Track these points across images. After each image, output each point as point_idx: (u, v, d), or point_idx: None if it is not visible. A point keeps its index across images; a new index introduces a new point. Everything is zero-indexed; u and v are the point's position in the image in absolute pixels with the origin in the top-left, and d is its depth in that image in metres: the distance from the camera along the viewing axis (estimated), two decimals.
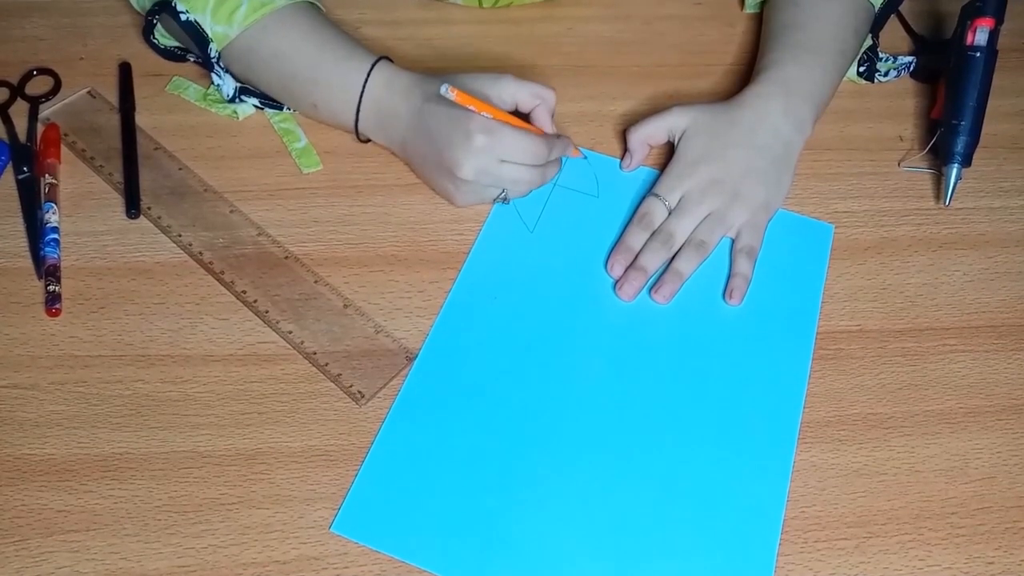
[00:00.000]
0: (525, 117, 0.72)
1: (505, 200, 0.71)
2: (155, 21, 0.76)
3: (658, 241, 0.70)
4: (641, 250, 0.70)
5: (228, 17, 0.72)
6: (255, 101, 0.77)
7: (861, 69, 0.83)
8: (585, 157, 0.75)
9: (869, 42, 0.82)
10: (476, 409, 0.63)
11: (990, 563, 0.59)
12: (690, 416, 0.64)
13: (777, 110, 0.74)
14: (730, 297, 0.69)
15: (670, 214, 0.72)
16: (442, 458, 0.61)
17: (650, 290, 0.69)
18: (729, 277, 0.70)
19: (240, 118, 0.78)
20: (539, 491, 0.60)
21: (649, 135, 0.76)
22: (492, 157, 0.69)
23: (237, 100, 0.77)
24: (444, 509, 0.59)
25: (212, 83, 0.77)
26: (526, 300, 0.69)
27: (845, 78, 0.83)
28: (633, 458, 0.62)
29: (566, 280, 0.70)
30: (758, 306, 0.69)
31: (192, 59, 0.79)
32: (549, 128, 0.73)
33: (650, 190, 0.73)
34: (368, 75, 0.72)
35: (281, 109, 0.77)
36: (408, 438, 0.62)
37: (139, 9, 0.78)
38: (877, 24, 0.83)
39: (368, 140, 0.75)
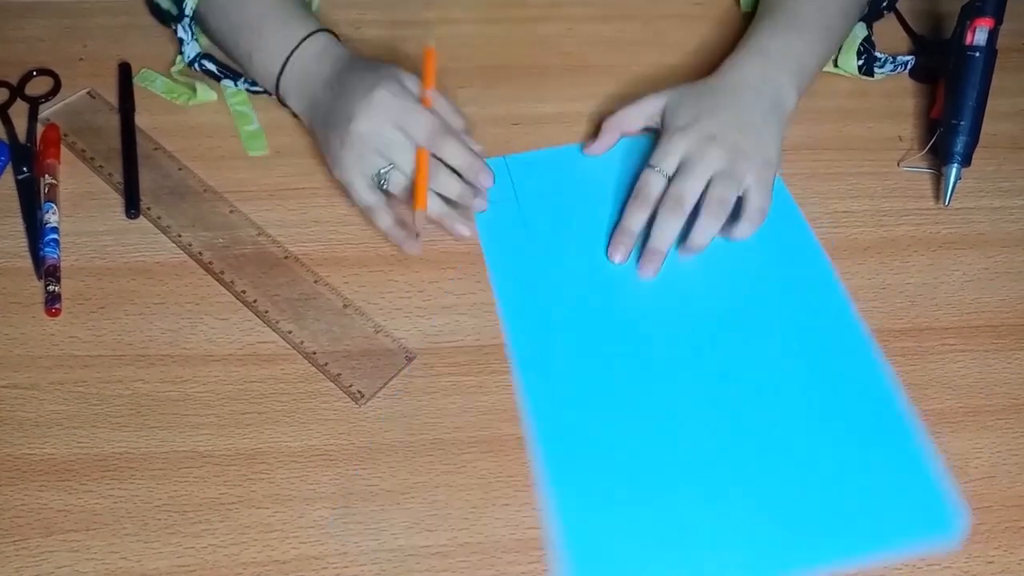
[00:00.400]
0: None
1: (384, 184, 0.68)
2: None
3: (666, 210, 0.68)
4: (653, 227, 0.68)
5: None
6: (213, 67, 0.78)
7: (860, 62, 0.83)
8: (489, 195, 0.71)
9: (864, 32, 0.82)
10: (615, 427, 0.63)
11: (990, 562, 0.59)
12: (785, 399, 0.64)
13: (756, 75, 0.74)
14: (736, 231, 0.69)
15: (671, 180, 0.69)
16: (616, 490, 0.60)
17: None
18: (741, 219, 0.69)
19: (191, 103, 0.78)
20: (699, 488, 0.60)
21: (623, 121, 0.75)
22: (390, 117, 0.67)
23: (196, 66, 0.78)
24: (648, 534, 0.59)
25: (179, 55, 0.78)
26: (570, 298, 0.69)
27: (845, 73, 0.84)
28: (758, 453, 0.62)
29: (593, 270, 0.70)
30: (769, 282, 0.70)
31: (173, 25, 0.79)
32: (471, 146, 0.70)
33: (644, 163, 0.72)
34: (308, 36, 0.72)
35: (235, 83, 0.79)
36: (581, 489, 0.60)
37: None
38: (871, 12, 0.83)
39: (285, 105, 0.75)
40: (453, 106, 0.71)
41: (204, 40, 0.80)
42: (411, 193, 0.67)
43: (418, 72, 0.70)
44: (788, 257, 0.72)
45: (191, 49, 0.78)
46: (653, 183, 0.70)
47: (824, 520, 0.59)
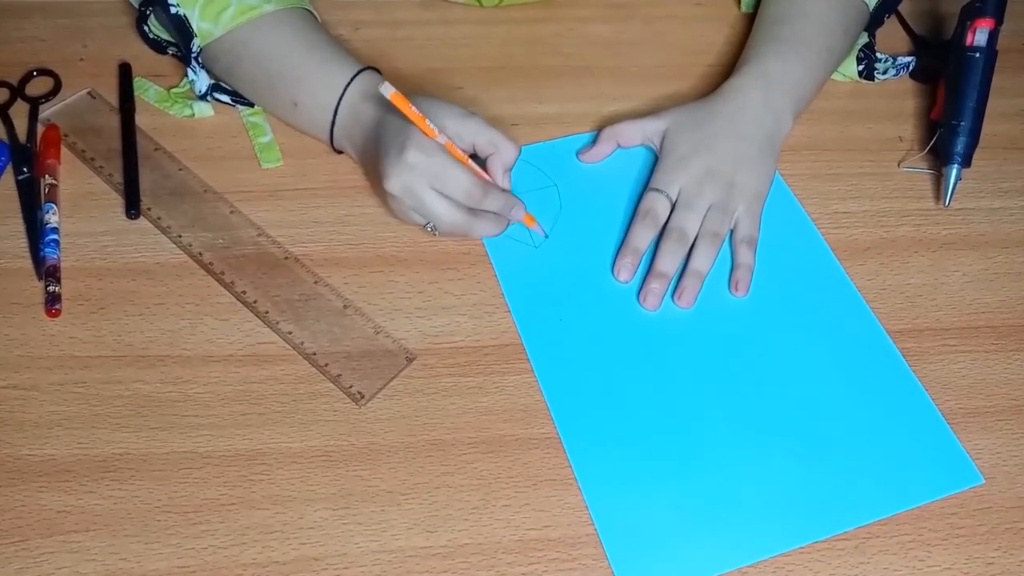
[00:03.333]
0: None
1: (433, 231, 0.68)
2: (148, 12, 0.77)
3: (672, 241, 0.70)
4: (656, 255, 0.70)
5: (215, 16, 0.72)
6: (227, 98, 0.77)
7: (860, 68, 0.83)
8: (546, 236, 0.72)
9: (865, 39, 0.83)
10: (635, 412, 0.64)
11: (990, 563, 0.59)
12: (801, 375, 0.66)
13: (757, 101, 0.75)
14: (736, 289, 0.69)
15: (672, 210, 0.71)
16: (646, 477, 0.62)
17: (671, 295, 0.69)
18: (733, 268, 0.70)
19: (195, 115, 0.78)
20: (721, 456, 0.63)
21: (621, 134, 0.76)
22: (421, 179, 0.65)
23: (209, 98, 0.77)
24: (682, 513, 0.60)
25: (185, 78, 0.77)
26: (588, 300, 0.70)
27: (845, 78, 0.84)
28: (782, 426, 0.64)
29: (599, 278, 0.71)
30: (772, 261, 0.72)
31: (172, 52, 0.80)
32: (499, 180, 0.69)
33: (646, 186, 0.73)
34: (352, 80, 0.71)
35: (252, 107, 0.78)
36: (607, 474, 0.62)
37: (133, 1, 0.78)
38: (873, 23, 0.83)
39: (341, 151, 0.74)
40: (495, 135, 0.68)
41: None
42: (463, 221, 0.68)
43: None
44: (794, 251, 0.73)
45: (202, 82, 0.76)
46: (659, 207, 0.71)
47: (850, 483, 0.62)
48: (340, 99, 0.71)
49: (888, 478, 0.62)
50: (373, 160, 0.69)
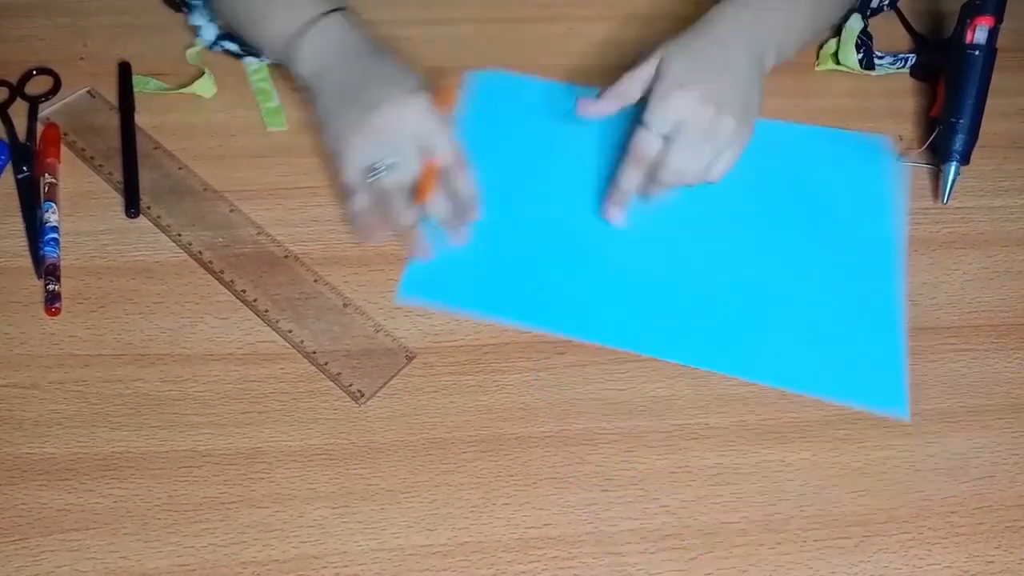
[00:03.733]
0: None
1: (372, 175, 0.67)
2: None
3: (667, 184, 0.69)
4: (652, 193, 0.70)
5: None
6: (234, 47, 0.79)
7: (859, 56, 0.83)
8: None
9: (860, 24, 0.82)
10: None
11: (990, 562, 0.59)
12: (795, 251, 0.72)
13: (745, 28, 0.71)
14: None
15: (667, 145, 0.68)
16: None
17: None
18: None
19: (208, 96, 0.79)
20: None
21: (622, 93, 0.71)
22: (419, 124, 0.67)
23: (217, 46, 0.78)
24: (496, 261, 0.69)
25: (195, 33, 0.79)
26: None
27: (846, 68, 0.84)
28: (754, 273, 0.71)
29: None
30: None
31: (185, 10, 0.80)
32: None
33: (638, 119, 0.69)
34: (333, 11, 0.71)
35: (259, 59, 0.79)
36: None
37: None
38: (865, 3, 0.82)
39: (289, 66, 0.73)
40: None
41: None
42: (407, 191, 0.68)
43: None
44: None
45: (209, 32, 0.78)
46: (649, 144, 0.68)
47: (779, 342, 0.67)
48: (318, 19, 0.71)
49: (817, 359, 0.66)
50: (346, 85, 0.69)
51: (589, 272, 0.70)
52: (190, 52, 0.80)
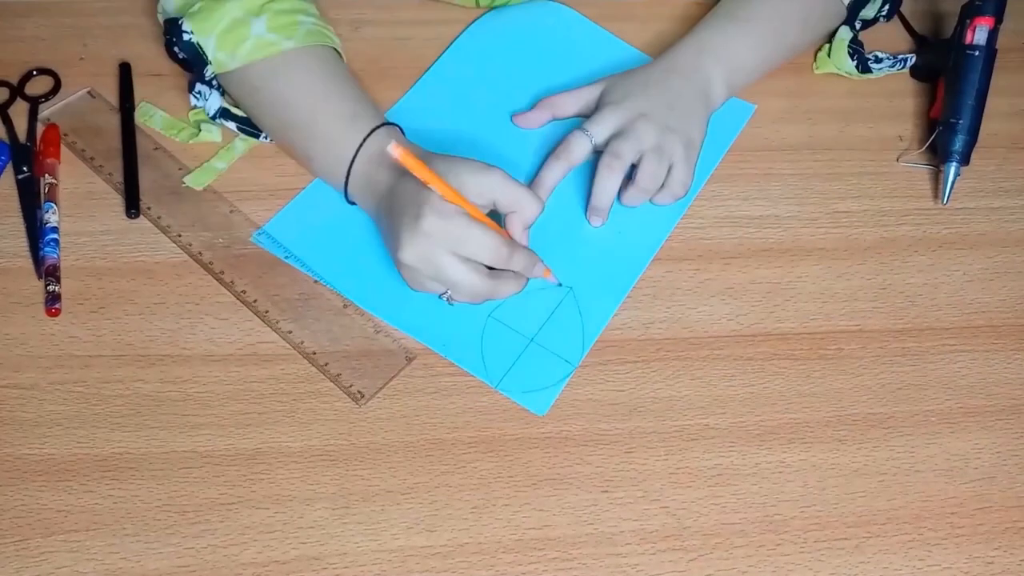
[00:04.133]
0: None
1: (449, 300, 0.64)
2: (173, 40, 0.72)
3: (605, 166, 0.69)
4: (594, 185, 0.70)
5: (233, 48, 0.70)
6: (233, 126, 0.75)
7: (854, 62, 0.83)
8: (560, 284, 0.69)
9: (849, 35, 0.82)
10: None
11: (990, 563, 0.59)
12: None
13: (688, 65, 0.75)
14: (661, 199, 0.72)
15: (607, 145, 0.70)
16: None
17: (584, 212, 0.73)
18: (661, 192, 0.72)
19: (192, 141, 0.75)
20: None
21: (556, 104, 0.76)
22: (439, 245, 0.60)
23: (218, 119, 0.74)
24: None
25: (192, 101, 0.74)
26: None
27: (844, 73, 0.84)
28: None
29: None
30: None
31: (190, 70, 0.75)
32: (519, 238, 0.65)
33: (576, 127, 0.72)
34: (365, 139, 0.67)
35: (257, 137, 0.75)
36: None
37: (160, 21, 0.75)
38: (852, 16, 0.83)
39: (355, 203, 0.70)
40: (519, 191, 0.64)
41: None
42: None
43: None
44: None
45: (214, 103, 0.74)
46: (577, 144, 0.70)
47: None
48: (352, 160, 0.67)
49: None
50: (387, 227, 0.65)
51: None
52: (190, 115, 0.76)
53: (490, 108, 0.79)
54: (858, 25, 0.84)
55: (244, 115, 0.75)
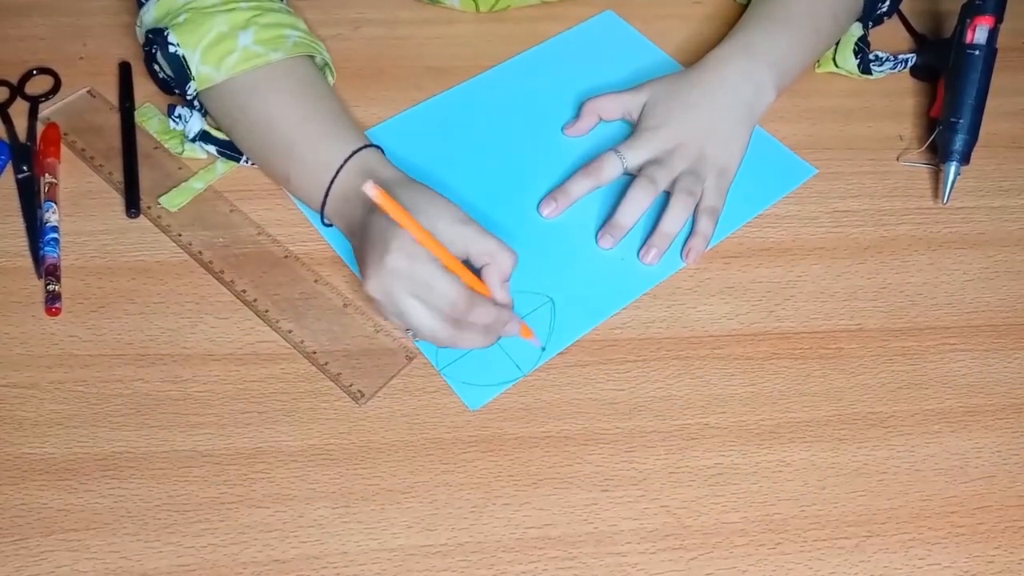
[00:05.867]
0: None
1: (413, 337, 0.64)
2: (154, 51, 0.71)
3: (639, 187, 0.70)
4: (621, 203, 0.70)
5: (218, 61, 0.68)
6: (213, 149, 0.73)
7: (857, 62, 0.83)
8: (543, 348, 0.66)
9: (860, 32, 0.83)
10: None
11: (990, 562, 0.59)
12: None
13: (738, 71, 0.75)
14: (686, 256, 0.71)
15: (641, 170, 0.72)
16: None
17: (637, 251, 0.72)
18: (690, 235, 0.71)
19: (182, 155, 0.75)
20: None
21: (602, 107, 0.77)
22: (402, 286, 0.59)
23: (196, 143, 0.73)
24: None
25: (171, 125, 0.74)
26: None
27: (844, 72, 0.84)
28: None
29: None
30: None
31: (178, 93, 0.74)
32: (497, 294, 0.62)
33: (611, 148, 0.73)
34: (344, 163, 0.66)
35: (238, 161, 0.74)
36: None
37: (139, 37, 0.74)
38: (867, 14, 0.83)
39: (332, 225, 0.69)
40: (491, 244, 0.61)
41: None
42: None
43: None
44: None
45: (194, 125, 0.73)
46: (609, 165, 0.72)
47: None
48: (330, 185, 0.66)
49: (734, 192, 0.72)
50: (358, 255, 0.64)
51: None
52: (173, 142, 0.75)
53: (526, 120, 0.79)
54: (869, 24, 0.84)
55: (224, 138, 0.73)
